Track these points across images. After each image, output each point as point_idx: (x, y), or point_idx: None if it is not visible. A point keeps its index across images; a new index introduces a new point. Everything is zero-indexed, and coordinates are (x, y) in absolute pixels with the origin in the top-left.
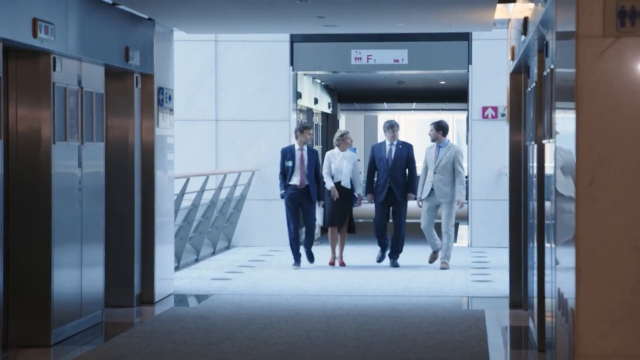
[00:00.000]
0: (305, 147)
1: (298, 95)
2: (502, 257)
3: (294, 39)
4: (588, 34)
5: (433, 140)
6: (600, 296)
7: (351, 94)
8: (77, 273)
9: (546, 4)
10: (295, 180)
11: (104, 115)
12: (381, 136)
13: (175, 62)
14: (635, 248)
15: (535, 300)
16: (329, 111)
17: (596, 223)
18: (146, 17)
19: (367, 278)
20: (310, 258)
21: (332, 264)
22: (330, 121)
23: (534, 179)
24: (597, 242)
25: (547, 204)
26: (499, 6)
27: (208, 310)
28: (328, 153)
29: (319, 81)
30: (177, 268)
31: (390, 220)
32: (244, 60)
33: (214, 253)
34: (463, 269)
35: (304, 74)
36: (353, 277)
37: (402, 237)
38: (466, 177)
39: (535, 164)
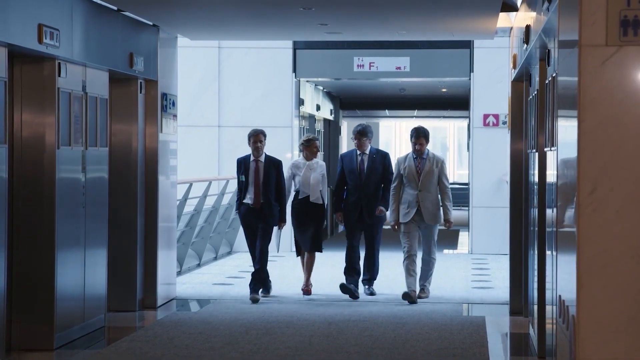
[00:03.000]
0: (262, 158)
1: (300, 102)
2: (502, 264)
3: (297, 46)
4: (590, 43)
5: (419, 154)
6: (601, 304)
7: (353, 100)
8: (80, 277)
9: (549, 12)
10: (249, 198)
11: (108, 120)
12: (383, 144)
13: (179, 68)
14: (636, 256)
15: (536, 307)
16: (331, 118)
17: (597, 231)
18: (150, 23)
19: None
20: (254, 290)
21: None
22: (332, 128)
23: (535, 186)
24: (599, 250)
25: (548, 212)
26: (501, 14)
27: (210, 315)
28: (291, 163)
29: (321, 88)
30: (179, 273)
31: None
32: (247, 67)
33: (216, 258)
34: (464, 276)
35: (307, 81)
36: None
37: (376, 263)
38: (466, 183)
39: (536, 172)
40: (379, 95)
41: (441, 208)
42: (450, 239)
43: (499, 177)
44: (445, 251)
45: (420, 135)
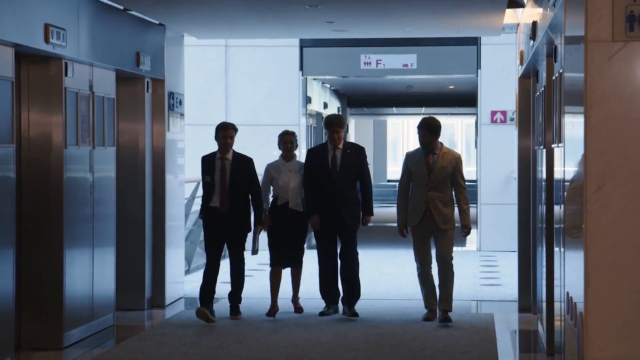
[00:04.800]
0: (229, 156)
1: (308, 100)
2: (511, 261)
3: (304, 44)
4: (597, 39)
5: (425, 148)
6: (609, 301)
7: (360, 98)
8: (89, 276)
9: (555, 8)
10: (215, 200)
11: (115, 120)
12: (391, 141)
13: (186, 67)
14: None
15: (544, 304)
16: None
17: (604, 228)
18: (157, 22)
19: (376, 282)
20: (234, 311)
21: (271, 314)
22: None
23: (543, 183)
24: (606, 247)
25: (556, 209)
26: (508, 11)
27: (218, 313)
28: (267, 166)
29: (328, 86)
30: (187, 271)
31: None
32: (254, 65)
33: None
34: (472, 273)
35: (314, 79)
36: (362, 280)
37: (355, 275)
38: (474, 180)
39: (544, 169)
40: (386, 92)
41: (456, 210)
42: (458, 237)
43: (507, 174)
44: (454, 249)
45: (426, 131)
